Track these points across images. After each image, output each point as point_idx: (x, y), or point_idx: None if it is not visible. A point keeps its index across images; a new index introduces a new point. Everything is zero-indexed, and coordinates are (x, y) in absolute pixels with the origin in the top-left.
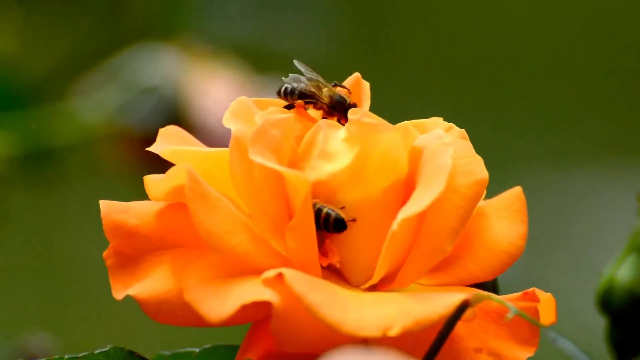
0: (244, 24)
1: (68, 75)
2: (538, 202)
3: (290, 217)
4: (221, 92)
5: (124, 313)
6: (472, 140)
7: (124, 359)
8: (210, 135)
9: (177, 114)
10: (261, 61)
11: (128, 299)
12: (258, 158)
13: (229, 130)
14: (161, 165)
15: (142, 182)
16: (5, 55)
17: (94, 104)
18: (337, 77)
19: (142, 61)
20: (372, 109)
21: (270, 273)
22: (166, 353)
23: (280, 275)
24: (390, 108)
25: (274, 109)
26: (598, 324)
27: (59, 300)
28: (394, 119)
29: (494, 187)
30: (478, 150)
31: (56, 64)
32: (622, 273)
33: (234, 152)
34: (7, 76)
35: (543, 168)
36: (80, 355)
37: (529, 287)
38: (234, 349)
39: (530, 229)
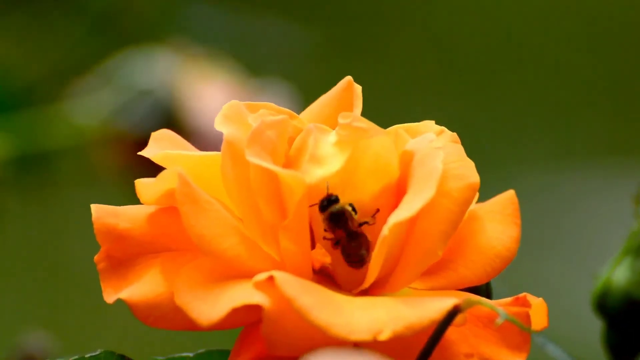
0: (234, 28)
1: (63, 78)
2: (535, 203)
3: (284, 219)
4: (216, 95)
5: (120, 316)
6: (468, 142)
7: None
8: (204, 138)
9: (171, 117)
10: (255, 63)
11: (123, 303)
12: (255, 159)
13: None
14: (155, 168)
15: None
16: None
17: (89, 107)
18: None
19: (137, 64)
20: (364, 111)
21: (261, 276)
22: (160, 358)
23: (271, 278)
24: (383, 110)
25: (265, 112)
26: (595, 326)
27: (54, 303)
28: (387, 122)
29: (491, 189)
30: (474, 151)
31: (51, 66)
32: (618, 275)
33: (226, 155)
34: (1, 78)
35: (540, 169)
36: (71, 359)
37: (525, 290)
38: (227, 354)
39: (528, 230)
